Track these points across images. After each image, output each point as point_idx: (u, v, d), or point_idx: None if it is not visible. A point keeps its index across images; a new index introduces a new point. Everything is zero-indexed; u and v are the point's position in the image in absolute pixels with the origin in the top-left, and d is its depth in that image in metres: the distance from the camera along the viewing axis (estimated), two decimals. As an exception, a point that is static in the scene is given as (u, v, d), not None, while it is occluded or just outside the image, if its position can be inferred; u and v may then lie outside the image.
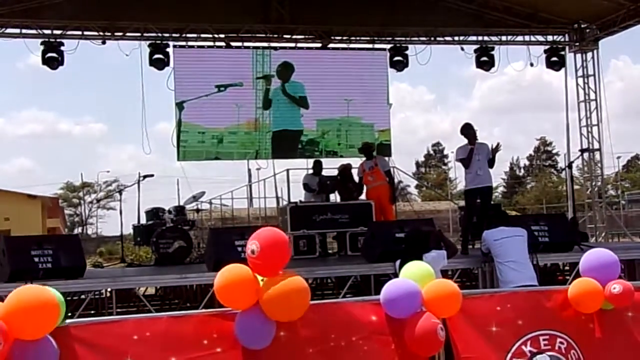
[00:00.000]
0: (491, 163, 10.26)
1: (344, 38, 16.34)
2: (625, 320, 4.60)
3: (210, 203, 18.72)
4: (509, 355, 4.35)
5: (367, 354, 4.08)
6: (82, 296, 8.91)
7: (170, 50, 15.13)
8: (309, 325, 3.97)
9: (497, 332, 4.36)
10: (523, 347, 4.38)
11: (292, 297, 3.76)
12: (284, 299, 3.74)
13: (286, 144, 15.77)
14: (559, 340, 4.44)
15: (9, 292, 3.44)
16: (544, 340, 4.42)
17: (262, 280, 3.81)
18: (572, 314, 4.50)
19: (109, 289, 9.26)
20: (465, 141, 10.31)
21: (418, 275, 4.29)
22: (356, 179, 13.18)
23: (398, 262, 7.37)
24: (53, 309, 3.43)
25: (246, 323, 3.80)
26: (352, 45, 16.49)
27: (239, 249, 8.63)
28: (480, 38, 16.70)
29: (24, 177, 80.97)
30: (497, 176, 61.35)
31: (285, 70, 15.66)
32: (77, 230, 55.02)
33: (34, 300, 3.38)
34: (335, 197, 13.49)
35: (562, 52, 17.19)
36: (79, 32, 14.92)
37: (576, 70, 17.53)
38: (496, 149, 10.21)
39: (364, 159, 13.22)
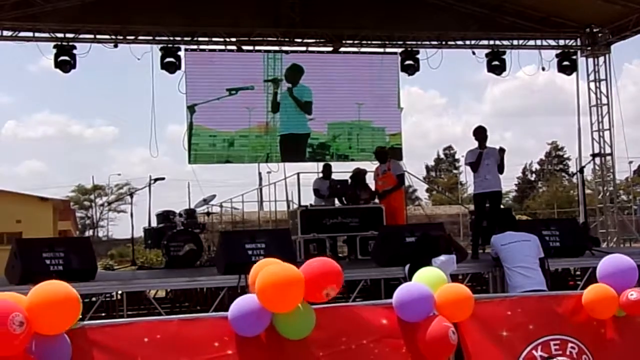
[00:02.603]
0: (501, 168, 10.20)
1: (355, 42, 16.35)
2: (638, 325, 4.57)
3: (221, 206, 18.76)
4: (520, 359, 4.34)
5: (378, 358, 4.07)
6: (93, 299, 8.93)
7: (181, 53, 15.20)
8: (319, 329, 3.96)
9: (507, 337, 4.35)
10: (534, 351, 4.36)
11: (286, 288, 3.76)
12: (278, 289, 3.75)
13: (293, 148, 15.79)
14: (570, 345, 4.42)
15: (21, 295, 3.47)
16: (555, 345, 4.40)
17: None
18: (583, 319, 4.47)
19: (119, 292, 9.29)
20: (476, 144, 10.26)
21: (431, 281, 4.28)
22: (369, 183, 13.15)
23: (407, 267, 7.37)
24: (74, 304, 3.46)
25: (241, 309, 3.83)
26: (363, 49, 16.51)
27: (250, 252, 8.66)
28: (491, 42, 16.67)
29: (36, 179, 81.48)
30: (509, 180, 61.24)
31: (294, 73, 15.69)
32: (88, 233, 55.27)
33: (57, 295, 3.41)
34: (344, 201, 13.44)
35: (574, 57, 17.15)
36: (91, 36, 15.02)
37: (588, 75, 17.49)
38: (502, 151, 10.19)
39: (375, 163, 13.20)
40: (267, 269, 3.80)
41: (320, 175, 13.79)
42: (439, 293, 4.17)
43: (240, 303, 3.85)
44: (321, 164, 14.45)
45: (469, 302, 4.19)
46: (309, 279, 3.80)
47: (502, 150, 10.23)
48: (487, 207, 10.34)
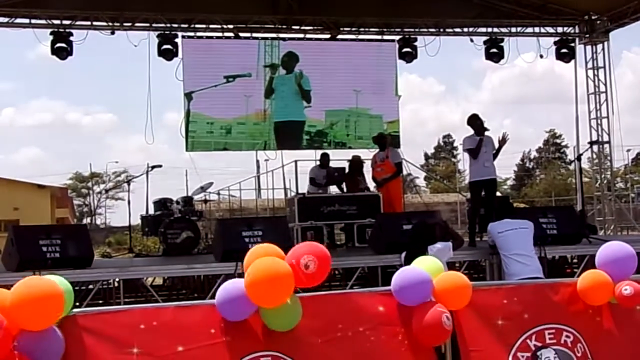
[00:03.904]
0: (494, 156, 10.18)
1: (353, 29, 16.30)
2: (633, 313, 4.58)
3: (218, 194, 18.71)
4: (514, 349, 4.34)
5: (374, 345, 4.08)
6: (90, 286, 8.94)
7: (178, 40, 15.12)
8: (316, 316, 3.97)
9: (503, 326, 4.35)
10: (528, 341, 4.37)
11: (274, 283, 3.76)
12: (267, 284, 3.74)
13: (289, 135, 15.75)
14: (565, 333, 4.43)
15: (17, 281, 3.45)
16: (549, 334, 4.41)
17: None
18: (579, 307, 4.48)
19: (116, 279, 9.30)
20: (472, 132, 10.23)
21: (429, 270, 4.28)
22: (367, 171, 13.13)
23: (404, 254, 7.38)
24: (57, 301, 3.43)
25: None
26: (361, 37, 16.47)
27: (247, 239, 8.66)
28: (489, 29, 16.63)
29: (33, 167, 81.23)
30: (508, 168, 61.24)
31: (290, 60, 15.63)
32: (86, 221, 55.21)
33: (38, 292, 3.37)
34: (344, 189, 13.41)
35: (572, 44, 17.09)
36: (88, 22, 14.92)
37: (586, 62, 17.46)
38: (503, 140, 10.14)
39: (372, 151, 13.18)
40: (257, 263, 3.79)
41: (317, 163, 13.77)
42: (438, 280, 4.18)
43: (228, 288, 3.85)
44: (318, 152, 14.43)
45: (466, 290, 4.20)
46: (291, 256, 3.81)
47: (504, 140, 10.17)
48: (484, 195, 10.33)
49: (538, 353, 4.36)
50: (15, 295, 3.36)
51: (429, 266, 4.33)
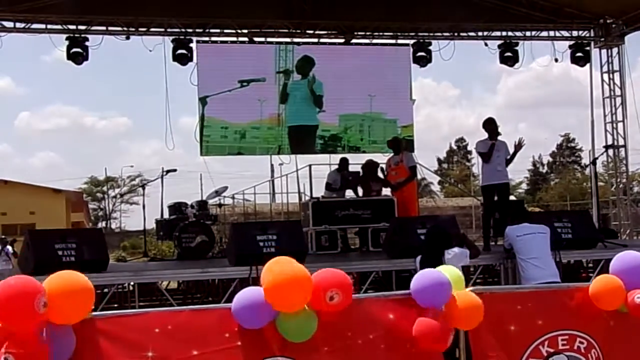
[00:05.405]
0: (509, 161, 10.14)
1: (367, 33, 16.31)
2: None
3: (233, 198, 18.80)
4: (525, 355, 4.33)
5: (384, 353, 4.07)
6: (105, 290, 8.96)
7: (193, 45, 15.19)
8: (324, 323, 3.95)
9: (515, 332, 4.34)
10: (540, 347, 4.36)
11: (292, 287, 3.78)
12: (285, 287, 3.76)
13: (302, 139, 15.78)
14: (578, 339, 4.41)
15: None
16: (562, 340, 4.39)
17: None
18: (594, 312, 4.45)
19: (131, 283, 9.32)
20: (486, 135, 10.22)
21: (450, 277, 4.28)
22: (380, 175, 13.12)
23: (419, 258, 7.37)
24: (90, 295, 3.55)
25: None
26: (375, 41, 16.47)
27: (261, 243, 8.68)
28: (504, 33, 16.59)
29: (49, 171, 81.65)
30: (521, 173, 60.94)
31: (305, 64, 15.67)
32: (101, 225, 55.44)
33: (75, 285, 3.50)
34: (358, 193, 13.41)
35: (587, 48, 17.03)
36: (104, 28, 15.03)
37: (601, 66, 17.38)
38: (519, 146, 10.08)
39: (387, 155, 13.16)
40: (277, 267, 3.80)
41: (335, 167, 13.75)
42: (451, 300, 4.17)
43: (246, 294, 3.85)
44: (333, 156, 14.44)
45: (479, 311, 4.18)
46: (316, 286, 3.81)
47: (519, 146, 10.10)
48: (497, 199, 10.29)
49: (550, 359, 4.34)
50: (52, 285, 3.44)
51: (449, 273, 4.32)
